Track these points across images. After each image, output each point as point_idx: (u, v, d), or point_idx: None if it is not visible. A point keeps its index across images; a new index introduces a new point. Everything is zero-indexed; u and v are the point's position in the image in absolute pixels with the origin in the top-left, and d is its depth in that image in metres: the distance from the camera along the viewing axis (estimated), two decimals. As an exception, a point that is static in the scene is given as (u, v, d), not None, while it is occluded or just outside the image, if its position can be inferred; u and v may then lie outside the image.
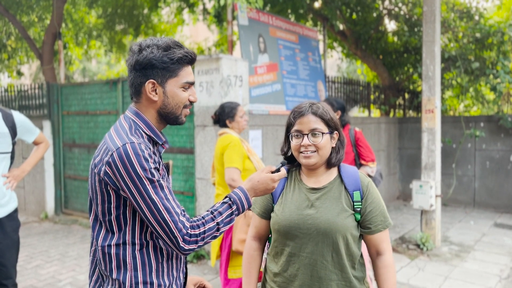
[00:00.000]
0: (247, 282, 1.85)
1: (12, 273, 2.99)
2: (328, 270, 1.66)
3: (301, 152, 1.71)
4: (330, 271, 1.67)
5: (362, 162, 4.24)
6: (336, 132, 1.75)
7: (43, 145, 3.31)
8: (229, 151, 3.25)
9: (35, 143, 3.27)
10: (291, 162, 1.82)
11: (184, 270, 1.65)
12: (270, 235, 1.88)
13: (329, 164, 1.76)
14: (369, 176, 4.13)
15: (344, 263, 1.67)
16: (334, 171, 1.78)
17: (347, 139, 4.10)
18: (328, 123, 1.72)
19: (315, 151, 1.69)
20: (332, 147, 1.75)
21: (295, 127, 1.72)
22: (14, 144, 3.01)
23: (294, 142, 1.73)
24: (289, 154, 1.81)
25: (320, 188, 1.73)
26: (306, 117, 1.71)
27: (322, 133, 1.69)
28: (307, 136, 1.69)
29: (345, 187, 1.73)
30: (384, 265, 1.73)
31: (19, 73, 10.89)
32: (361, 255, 1.77)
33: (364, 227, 1.71)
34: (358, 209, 1.69)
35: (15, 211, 2.98)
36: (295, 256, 1.70)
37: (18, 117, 3.01)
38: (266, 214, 1.83)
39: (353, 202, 1.70)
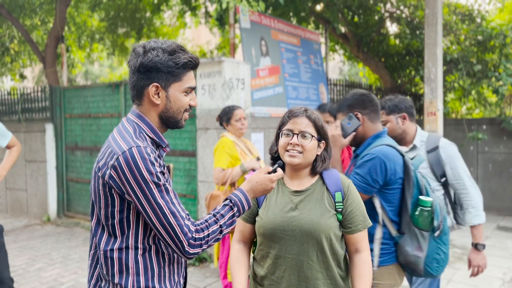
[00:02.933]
0: (237, 282, 1.84)
1: (5, 278, 2.98)
2: (314, 269, 1.71)
3: (287, 151, 1.77)
4: (316, 271, 1.71)
5: None
6: (323, 141, 1.81)
7: (16, 149, 3.32)
8: (217, 153, 3.48)
9: (8, 147, 3.27)
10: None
11: (184, 275, 1.65)
12: (255, 240, 1.91)
13: (313, 171, 1.82)
14: None
15: (329, 262, 1.72)
16: (316, 175, 1.85)
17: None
18: (318, 129, 1.79)
19: (301, 153, 1.75)
20: (317, 155, 1.81)
21: (287, 126, 1.79)
22: None
23: (283, 140, 1.79)
24: (275, 152, 1.87)
25: (303, 190, 1.79)
26: (299, 119, 1.78)
27: (312, 136, 1.76)
28: (297, 136, 1.75)
29: (327, 188, 1.79)
30: (362, 261, 1.77)
31: (22, 76, 10.93)
32: (345, 255, 1.82)
33: (345, 227, 1.77)
34: (340, 209, 1.75)
35: None
36: (281, 258, 1.73)
37: None
38: (251, 218, 1.87)
39: (335, 202, 1.76)
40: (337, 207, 1.75)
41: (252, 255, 1.93)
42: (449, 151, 2.63)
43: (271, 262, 1.75)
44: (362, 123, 2.25)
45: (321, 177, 1.82)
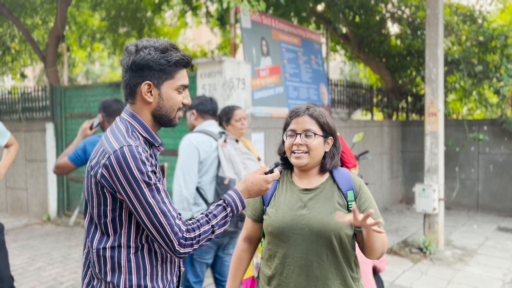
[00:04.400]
0: (231, 281, 1.88)
1: (6, 276, 2.97)
2: (324, 269, 1.68)
3: (293, 152, 1.74)
4: (326, 270, 1.68)
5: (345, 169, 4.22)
6: (331, 137, 1.78)
7: (14, 147, 3.32)
8: None
9: (6, 146, 3.27)
10: (287, 164, 1.85)
11: (178, 274, 1.65)
12: (262, 239, 1.90)
13: (323, 169, 1.79)
14: None
15: (340, 262, 1.69)
16: (326, 173, 1.82)
17: None
18: (323, 126, 1.75)
19: (307, 152, 1.72)
20: (326, 152, 1.77)
21: (290, 127, 1.77)
22: None
23: (287, 141, 1.76)
24: (283, 154, 1.84)
25: (313, 188, 1.76)
26: (301, 118, 1.75)
27: (315, 134, 1.72)
28: (300, 136, 1.73)
29: (338, 187, 1.75)
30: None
31: (23, 75, 10.93)
32: (356, 256, 1.79)
33: (359, 226, 1.70)
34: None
35: None
36: (290, 258, 1.71)
37: None
38: (257, 217, 1.86)
39: (347, 201, 1.72)
40: (349, 206, 1.72)
41: (259, 255, 1.93)
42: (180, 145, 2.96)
43: (279, 262, 1.73)
44: (102, 121, 3.19)
45: (332, 176, 1.80)
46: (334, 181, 1.77)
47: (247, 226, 1.90)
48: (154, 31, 10.74)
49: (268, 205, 1.81)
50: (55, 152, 7.11)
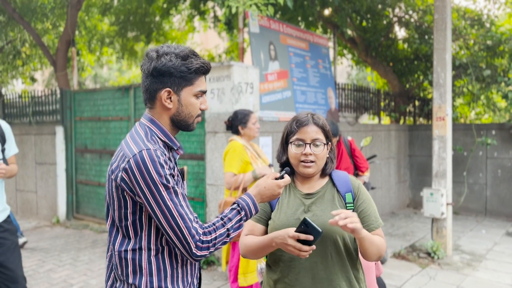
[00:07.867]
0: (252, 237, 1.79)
1: (19, 276, 3.02)
2: (329, 270, 1.70)
3: (301, 162, 1.75)
4: (331, 271, 1.70)
5: (359, 173, 4.23)
6: (329, 143, 1.82)
7: (14, 168, 3.06)
8: (228, 157, 3.45)
9: (8, 161, 3.05)
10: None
11: (198, 276, 1.67)
12: None
13: (323, 173, 1.83)
14: (364, 182, 4.21)
15: (345, 263, 1.72)
16: (326, 176, 1.85)
17: (344, 151, 4.12)
18: (327, 134, 1.79)
19: (314, 162, 1.75)
20: (327, 157, 1.82)
21: (297, 136, 1.77)
22: (3, 151, 3.00)
23: (295, 151, 1.77)
24: (284, 161, 1.85)
25: (314, 193, 1.80)
26: (308, 127, 1.76)
27: (323, 144, 1.76)
28: (309, 146, 1.74)
29: (337, 190, 1.79)
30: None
31: (33, 79, 11.06)
32: (359, 257, 1.82)
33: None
34: (351, 210, 1.75)
35: (9, 216, 3.01)
36: (295, 260, 1.73)
37: (5, 125, 3.03)
38: (263, 220, 1.84)
39: (346, 203, 1.76)
40: (348, 207, 1.76)
41: (263, 260, 1.93)
42: None
43: (284, 265, 1.75)
44: None
45: (331, 179, 1.84)
46: (334, 184, 1.81)
47: (249, 227, 1.83)
48: (162, 35, 10.83)
49: (273, 210, 1.83)
50: (64, 155, 7.18)
